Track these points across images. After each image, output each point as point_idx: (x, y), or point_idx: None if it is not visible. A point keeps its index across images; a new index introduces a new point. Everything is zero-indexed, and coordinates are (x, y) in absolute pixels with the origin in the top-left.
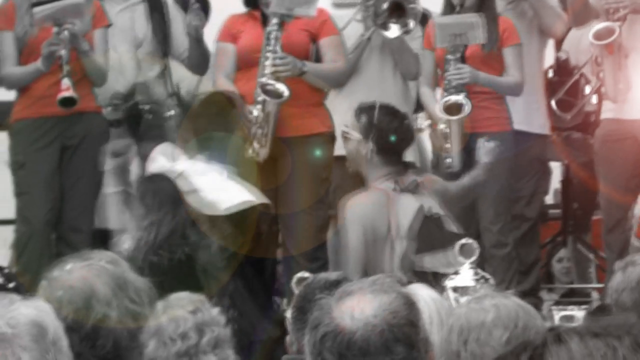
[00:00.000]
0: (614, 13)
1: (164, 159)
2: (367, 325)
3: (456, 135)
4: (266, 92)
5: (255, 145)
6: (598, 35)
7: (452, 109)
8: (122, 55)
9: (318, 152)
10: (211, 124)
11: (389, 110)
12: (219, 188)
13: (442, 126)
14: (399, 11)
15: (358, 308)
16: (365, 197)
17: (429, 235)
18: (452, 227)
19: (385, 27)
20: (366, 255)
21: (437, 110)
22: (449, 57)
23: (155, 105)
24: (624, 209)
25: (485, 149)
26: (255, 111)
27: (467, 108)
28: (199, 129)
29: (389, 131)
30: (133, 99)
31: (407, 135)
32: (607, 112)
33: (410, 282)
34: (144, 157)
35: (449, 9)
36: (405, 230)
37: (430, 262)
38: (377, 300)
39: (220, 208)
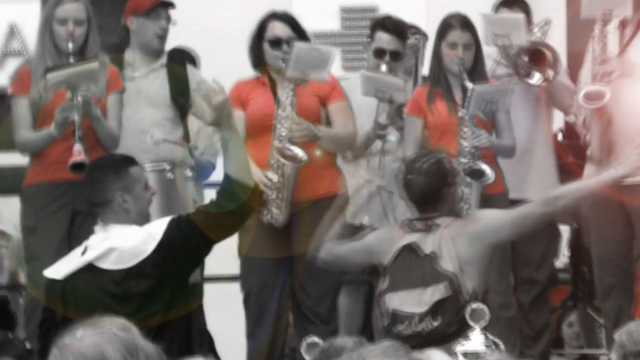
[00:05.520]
0: (603, 77)
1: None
2: None
3: None
4: (285, 156)
5: (274, 210)
6: (588, 97)
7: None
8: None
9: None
10: None
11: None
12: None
13: None
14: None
15: None
16: (381, 230)
17: (407, 272)
18: (447, 266)
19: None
20: (353, 261)
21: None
22: (466, 122)
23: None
24: (616, 275)
25: None
26: (275, 176)
27: None
28: None
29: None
30: None
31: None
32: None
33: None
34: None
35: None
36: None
37: (398, 300)
38: None
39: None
